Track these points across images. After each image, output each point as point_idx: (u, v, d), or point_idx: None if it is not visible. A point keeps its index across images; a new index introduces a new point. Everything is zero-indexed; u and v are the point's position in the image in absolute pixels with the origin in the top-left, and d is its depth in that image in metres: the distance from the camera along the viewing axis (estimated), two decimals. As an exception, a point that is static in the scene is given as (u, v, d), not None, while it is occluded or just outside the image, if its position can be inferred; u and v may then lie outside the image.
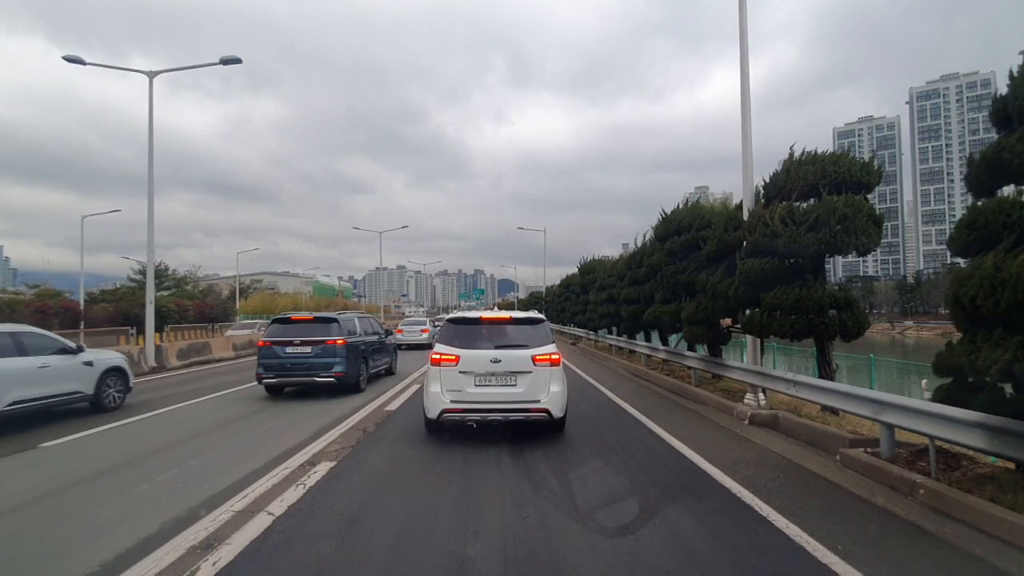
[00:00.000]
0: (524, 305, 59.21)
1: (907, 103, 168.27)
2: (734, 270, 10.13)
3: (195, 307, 41.59)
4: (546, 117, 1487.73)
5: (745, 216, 9.23)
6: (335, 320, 11.69)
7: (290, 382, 11.21)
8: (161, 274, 61.67)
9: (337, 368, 10.88)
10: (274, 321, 12.27)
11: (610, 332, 22.94)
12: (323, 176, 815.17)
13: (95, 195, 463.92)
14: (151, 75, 17.56)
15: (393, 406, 9.87)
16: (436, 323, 26.77)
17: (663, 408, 9.85)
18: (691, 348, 11.72)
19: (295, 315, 12.67)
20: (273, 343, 11.07)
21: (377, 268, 75.78)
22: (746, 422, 8.34)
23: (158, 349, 17.51)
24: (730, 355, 12.08)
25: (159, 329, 32.18)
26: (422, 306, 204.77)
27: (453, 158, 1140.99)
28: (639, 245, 17.10)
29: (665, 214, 13.30)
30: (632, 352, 18.35)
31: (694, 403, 10.29)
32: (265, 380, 11.00)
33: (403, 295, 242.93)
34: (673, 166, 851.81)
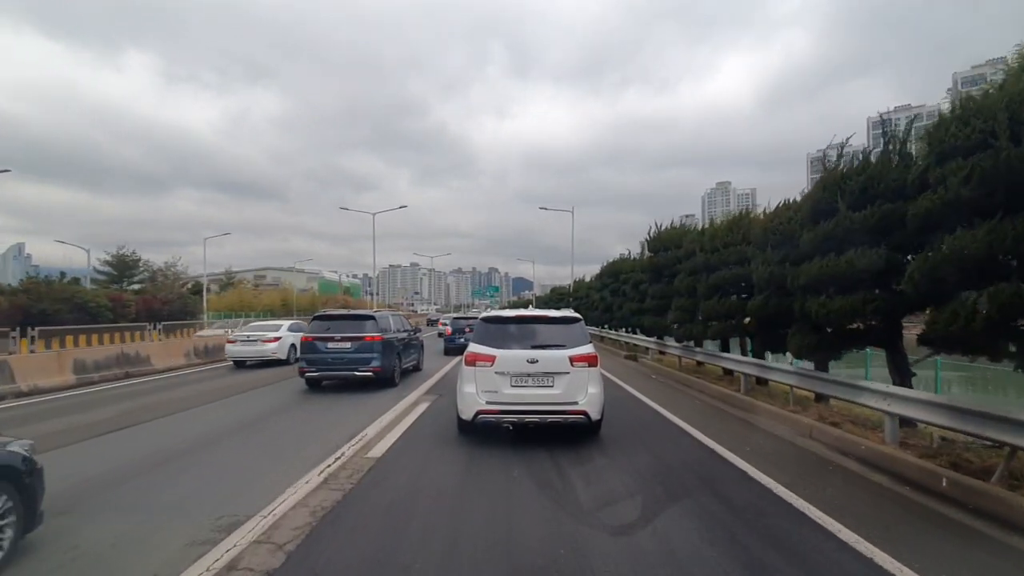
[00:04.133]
0: (544, 303, 52.63)
1: (949, 90, 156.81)
2: None
3: (139, 303, 33.41)
4: (549, 111, 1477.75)
5: None
6: (372, 317, 12.14)
7: (331, 376, 11.58)
8: (132, 265, 54.19)
9: (375, 363, 11.23)
10: (315, 318, 12.52)
11: (699, 344, 14.22)
12: (328, 174, 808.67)
13: (103, 191, 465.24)
14: None
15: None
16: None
17: None
18: None
19: (335, 312, 13.36)
20: (315, 339, 11.51)
21: (391, 266, 68.30)
22: None
23: None
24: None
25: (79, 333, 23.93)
26: (434, 304, 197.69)
27: (457, 154, 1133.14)
28: (829, 165, 8.30)
29: None
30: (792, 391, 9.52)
31: None
32: (308, 374, 11.42)
33: (415, 293, 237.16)
34: (681, 162, 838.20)
